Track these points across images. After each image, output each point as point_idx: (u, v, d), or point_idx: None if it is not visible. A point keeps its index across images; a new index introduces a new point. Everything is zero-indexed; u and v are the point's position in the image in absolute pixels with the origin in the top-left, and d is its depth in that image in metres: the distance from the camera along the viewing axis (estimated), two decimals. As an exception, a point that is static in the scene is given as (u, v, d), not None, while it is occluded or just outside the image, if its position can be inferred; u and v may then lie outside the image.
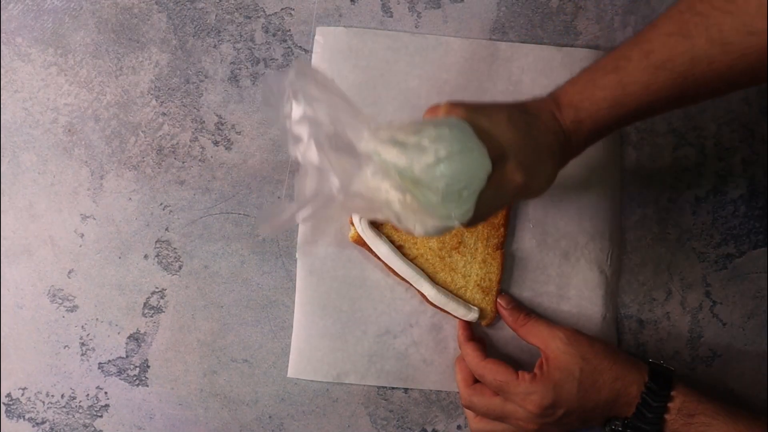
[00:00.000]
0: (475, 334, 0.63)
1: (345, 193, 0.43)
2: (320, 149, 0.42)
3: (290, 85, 0.43)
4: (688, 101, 0.50)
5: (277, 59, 0.64)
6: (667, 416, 0.56)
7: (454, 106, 0.47)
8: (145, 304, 0.63)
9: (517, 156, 0.47)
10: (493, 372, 0.57)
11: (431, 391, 0.64)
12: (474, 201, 0.44)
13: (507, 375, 0.57)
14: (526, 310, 0.61)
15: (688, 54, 0.47)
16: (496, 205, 0.47)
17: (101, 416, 0.63)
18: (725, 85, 0.48)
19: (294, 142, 0.43)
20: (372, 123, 0.44)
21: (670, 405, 0.56)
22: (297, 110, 0.43)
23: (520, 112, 0.49)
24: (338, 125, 0.43)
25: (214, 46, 0.63)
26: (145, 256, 0.63)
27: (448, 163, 0.42)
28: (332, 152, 0.42)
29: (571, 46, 0.64)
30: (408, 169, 0.42)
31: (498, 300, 0.62)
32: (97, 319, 0.63)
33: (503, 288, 0.63)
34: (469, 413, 0.60)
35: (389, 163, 0.43)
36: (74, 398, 0.63)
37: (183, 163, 0.63)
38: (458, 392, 0.64)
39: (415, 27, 0.64)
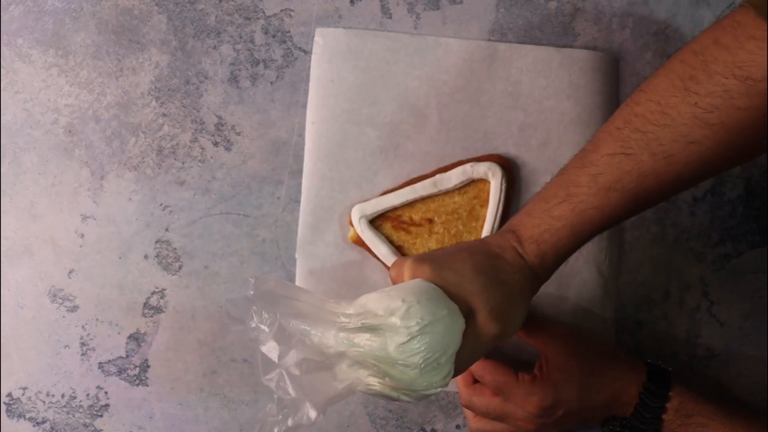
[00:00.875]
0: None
1: (323, 414, 0.45)
2: (293, 380, 0.44)
3: (252, 309, 0.45)
4: (640, 210, 0.51)
5: (276, 60, 0.64)
6: (664, 416, 0.56)
7: (418, 265, 0.48)
8: (145, 304, 0.63)
9: (487, 305, 0.47)
10: (492, 372, 0.57)
11: (430, 390, 0.64)
12: (452, 363, 0.45)
13: (507, 376, 0.57)
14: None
15: (635, 171, 0.47)
16: (473, 358, 0.48)
17: (101, 416, 0.63)
18: (673, 191, 0.49)
19: (265, 371, 0.46)
20: (341, 312, 0.46)
21: (667, 405, 0.56)
22: (264, 335, 0.45)
23: (485, 255, 0.49)
24: (305, 336, 0.45)
25: (214, 48, 0.64)
26: (145, 257, 0.63)
27: (421, 338, 0.43)
28: (305, 377, 0.44)
29: (570, 47, 0.65)
30: (383, 352, 0.44)
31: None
32: (97, 319, 0.63)
33: (502, 288, 0.64)
34: (468, 413, 0.61)
35: (364, 352, 0.44)
36: (74, 398, 0.63)
37: (183, 163, 0.64)
38: (457, 392, 0.64)
39: (414, 28, 0.64)
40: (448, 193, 0.62)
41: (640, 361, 0.59)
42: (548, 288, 0.63)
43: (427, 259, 0.49)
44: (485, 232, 0.62)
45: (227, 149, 0.64)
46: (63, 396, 0.63)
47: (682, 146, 0.45)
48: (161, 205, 0.63)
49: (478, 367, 0.58)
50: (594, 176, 0.48)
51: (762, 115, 0.43)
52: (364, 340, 0.44)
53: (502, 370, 0.57)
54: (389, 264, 0.61)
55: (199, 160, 0.64)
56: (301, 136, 0.64)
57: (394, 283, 0.51)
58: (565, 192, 0.50)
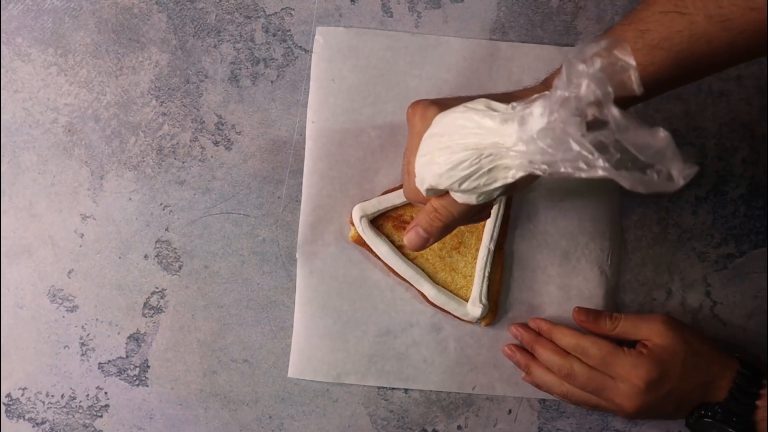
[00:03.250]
0: (477, 330, 0.63)
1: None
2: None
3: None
4: (686, 80, 0.49)
5: (277, 59, 0.64)
6: (758, 402, 0.57)
7: (431, 104, 0.47)
8: (145, 304, 0.63)
9: None
10: (597, 343, 0.59)
11: (431, 391, 0.64)
12: None
13: (612, 346, 0.59)
14: (608, 313, 0.62)
15: (686, 32, 0.45)
16: None
17: (101, 416, 0.63)
18: (724, 61, 0.47)
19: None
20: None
21: (761, 392, 0.57)
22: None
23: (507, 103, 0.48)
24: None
25: (214, 46, 0.63)
26: (145, 256, 0.63)
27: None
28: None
29: (572, 45, 0.64)
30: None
31: (575, 317, 0.62)
32: (97, 319, 0.63)
33: (503, 288, 0.63)
34: (550, 379, 0.61)
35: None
36: (74, 398, 0.63)
37: (183, 163, 0.63)
38: (458, 392, 0.64)
39: (416, 27, 0.64)
40: None
41: (731, 353, 0.60)
42: (549, 287, 0.64)
43: (443, 101, 0.48)
44: (487, 231, 0.62)
45: (227, 148, 0.63)
46: (63, 396, 0.63)
47: (741, 11, 0.43)
48: (161, 204, 0.63)
49: (582, 339, 0.59)
50: (642, 32, 0.46)
51: None
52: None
53: (605, 342, 0.59)
54: (390, 263, 0.61)
55: (199, 160, 0.63)
56: (302, 135, 0.63)
57: (409, 119, 0.49)
58: None
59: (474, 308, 0.61)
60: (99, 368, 0.63)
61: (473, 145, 0.42)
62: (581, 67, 0.37)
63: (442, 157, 0.44)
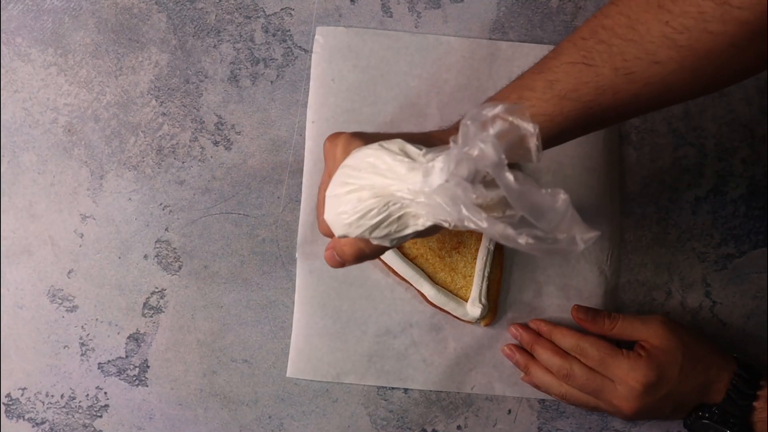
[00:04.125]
0: (476, 330, 0.63)
1: None
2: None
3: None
4: (593, 128, 0.49)
5: (277, 59, 0.63)
6: (755, 404, 0.58)
7: (352, 138, 0.47)
8: (144, 304, 0.63)
9: None
10: (596, 344, 0.59)
11: (431, 391, 0.64)
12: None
13: (611, 348, 0.59)
14: (606, 313, 0.62)
15: (593, 83, 0.45)
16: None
17: (101, 416, 0.63)
18: (630, 112, 0.48)
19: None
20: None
21: (759, 393, 0.58)
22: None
23: (425, 144, 0.47)
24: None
25: (214, 46, 0.63)
26: (145, 256, 0.63)
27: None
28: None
29: (571, 46, 0.64)
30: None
31: (574, 315, 0.62)
32: (97, 319, 0.63)
33: (503, 288, 0.63)
34: (548, 380, 0.61)
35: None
36: (74, 398, 0.63)
37: (183, 163, 0.63)
38: (458, 392, 0.64)
39: (415, 27, 0.64)
40: None
41: (729, 354, 0.61)
42: (549, 287, 0.64)
43: (363, 135, 0.48)
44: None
45: (227, 148, 0.63)
46: (62, 396, 0.63)
47: (645, 65, 0.44)
48: (161, 204, 0.63)
49: (581, 340, 0.60)
50: (550, 82, 0.47)
51: (732, 43, 0.41)
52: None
53: (604, 343, 0.59)
54: (390, 263, 0.61)
55: (199, 160, 0.63)
56: (302, 135, 0.63)
57: (325, 154, 0.49)
58: (517, 95, 0.48)
59: (474, 308, 0.61)
60: (99, 368, 0.63)
61: (380, 191, 0.42)
62: (474, 130, 0.38)
63: (350, 205, 0.44)
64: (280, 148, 0.64)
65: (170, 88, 0.63)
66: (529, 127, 0.38)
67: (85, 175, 0.63)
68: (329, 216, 0.45)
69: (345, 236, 0.46)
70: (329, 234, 0.48)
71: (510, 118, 0.38)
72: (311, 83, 0.63)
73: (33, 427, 0.63)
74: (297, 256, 0.63)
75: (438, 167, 0.39)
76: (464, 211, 0.38)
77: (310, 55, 0.63)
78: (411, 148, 0.43)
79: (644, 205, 0.65)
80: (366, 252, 0.47)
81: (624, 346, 0.60)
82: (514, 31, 0.64)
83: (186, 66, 0.63)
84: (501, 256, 0.63)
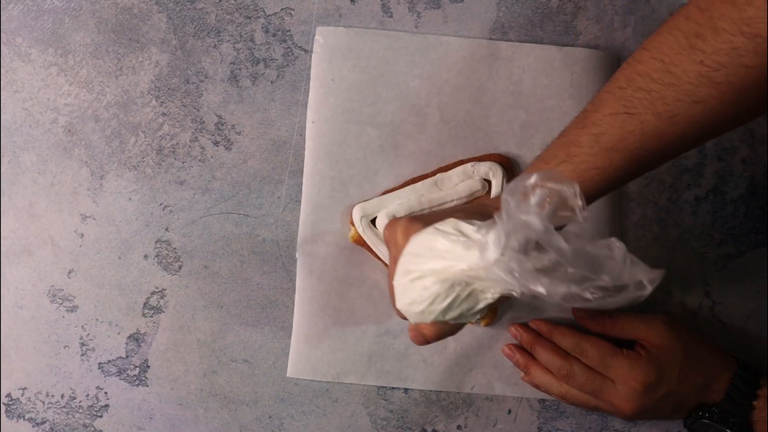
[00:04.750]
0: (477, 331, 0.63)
1: None
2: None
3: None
4: (643, 172, 0.50)
5: (277, 59, 0.64)
6: (755, 403, 0.58)
7: (412, 223, 0.48)
8: (145, 304, 0.63)
9: None
10: (596, 344, 0.59)
11: (431, 391, 0.64)
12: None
13: (611, 348, 0.59)
14: (605, 311, 0.62)
15: (638, 131, 0.46)
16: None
17: (101, 416, 0.63)
18: (677, 151, 0.48)
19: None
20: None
21: (758, 392, 0.58)
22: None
23: (481, 216, 0.48)
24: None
25: (214, 47, 0.63)
26: (145, 256, 0.63)
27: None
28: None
29: (572, 45, 0.64)
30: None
31: (575, 312, 0.62)
32: (97, 319, 0.63)
33: (503, 288, 0.63)
34: (548, 380, 0.61)
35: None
36: (74, 398, 0.63)
37: (183, 163, 0.63)
38: (458, 392, 0.64)
39: (415, 27, 0.64)
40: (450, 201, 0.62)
41: (729, 353, 0.61)
42: (550, 288, 0.64)
43: (420, 218, 0.48)
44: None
45: (227, 149, 0.63)
46: (63, 396, 0.63)
47: (686, 105, 0.44)
48: (161, 204, 0.63)
49: (581, 340, 0.60)
50: (596, 136, 0.47)
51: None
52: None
53: (604, 343, 0.59)
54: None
55: (199, 160, 0.63)
56: (302, 135, 0.64)
57: (386, 241, 0.50)
58: (565, 152, 0.49)
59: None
60: (99, 368, 0.63)
61: (442, 274, 0.43)
62: (515, 204, 0.38)
63: (416, 294, 0.44)
64: (280, 148, 0.64)
65: (170, 88, 0.63)
66: (569, 189, 0.39)
67: (85, 175, 0.63)
68: (401, 305, 0.46)
69: (421, 322, 0.47)
70: (405, 318, 0.49)
71: (549, 185, 0.38)
72: (311, 83, 0.63)
73: (33, 427, 0.63)
74: (297, 256, 0.63)
75: (491, 242, 0.40)
76: (523, 281, 0.39)
77: (310, 55, 0.63)
78: (465, 226, 0.43)
79: (644, 205, 0.65)
80: (446, 330, 0.49)
81: (624, 345, 0.60)
82: (514, 31, 0.64)
83: (186, 66, 0.63)
84: (501, 256, 0.63)
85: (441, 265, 0.43)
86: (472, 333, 0.63)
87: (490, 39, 0.64)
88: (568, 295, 0.38)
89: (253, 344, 0.63)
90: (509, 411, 0.64)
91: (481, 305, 0.44)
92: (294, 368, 0.63)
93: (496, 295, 0.43)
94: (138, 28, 0.63)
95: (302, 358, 0.63)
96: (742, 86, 0.43)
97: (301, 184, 0.63)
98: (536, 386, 0.62)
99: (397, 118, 0.63)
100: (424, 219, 0.48)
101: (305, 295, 0.63)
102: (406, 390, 0.64)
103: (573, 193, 0.39)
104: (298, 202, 0.63)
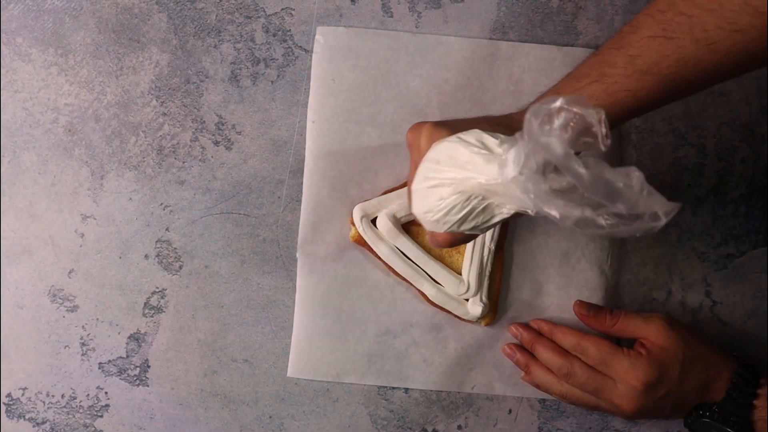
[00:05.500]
0: (476, 330, 0.63)
1: None
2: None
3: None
4: (674, 99, 0.50)
5: (277, 59, 0.64)
6: (756, 402, 0.58)
7: (437, 129, 0.47)
8: (145, 304, 0.63)
9: None
10: (597, 343, 0.59)
11: (431, 391, 0.64)
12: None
13: (611, 347, 0.59)
14: (608, 309, 0.62)
15: (674, 56, 0.46)
16: None
17: (101, 416, 0.63)
18: (711, 81, 0.48)
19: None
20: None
21: (759, 391, 0.58)
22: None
23: (506, 128, 0.48)
24: None
25: (215, 46, 0.63)
26: (146, 256, 0.63)
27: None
28: None
29: (572, 45, 0.64)
30: None
31: (576, 310, 0.62)
32: (97, 319, 0.63)
33: (503, 288, 0.63)
34: (549, 379, 0.61)
35: None
36: (74, 398, 0.63)
37: (183, 163, 0.63)
38: (458, 392, 0.64)
39: (416, 27, 0.64)
40: None
41: (729, 353, 0.60)
42: (549, 287, 0.64)
43: (446, 124, 0.48)
44: (488, 233, 0.62)
45: (228, 148, 0.63)
46: (63, 396, 0.63)
47: (726, 34, 0.44)
48: (161, 204, 0.63)
49: (581, 339, 0.60)
50: (631, 57, 0.47)
51: None
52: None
53: (605, 342, 0.59)
54: (390, 263, 0.61)
55: (200, 160, 0.63)
56: (302, 135, 0.64)
57: (410, 145, 0.50)
58: (598, 71, 0.48)
59: (474, 307, 0.61)
60: (99, 368, 0.63)
61: (460, 185, 0.43)
62: (538, 125, 0.38)
63: (433, 203, 0.44)
64: (280, 148, 0.64)
65: (171, 88, 0.63)
66: (594, 115, 0.38)
67: (85, 175, 0.63)
68: (417, 211, 0.46)
69: (434, 230, 0.46)
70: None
71: (574, 109, 0.38)
72: (311, 83, 0.63)
73: (33, 427, 0.63)
74: (297, 256, 0.63)
75: (511, 159, 0.40)
76: (538, 202, 0.39)
77: (311, 55, 0.64)
78: (488, 139, 0.43)
79: (644, 205, 0.65)
80: (459, 238, 0.48)
81: (625, 344, 0.60)
82: (514, 31, 0.64)
83: (186, 66, 0.63)
84: (501, 256, 0.63)
85: (460, 175, 0.43)
86: (472, 333, 0.63)
87: (491, 39, 0.64)
88: (581, 219, 0.38)
89: (253, 344, 0.63)
90: (510, 411, 0.64)
91: (497, 219, 0.44)
92: (294, 368, 0.63)
93: (512, 211, 0.43)
94: (138, 28, 0.63)
95: (302, 358, 0.63)
96: None
97: (302, 184, 0.63)
98: (536, 386, 0.62)
99: (397, 118, 0.63)
100: (449, 126, 0.48)
101: (305, 295, 0.63)
102: (406, 390, 0.64)
103: (598, 120, 0.38)
104: (298, 202, 0.63)
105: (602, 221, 0.38)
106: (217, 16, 0.63)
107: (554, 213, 0.38)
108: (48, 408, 0.63)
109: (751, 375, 0.58)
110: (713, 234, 0.65)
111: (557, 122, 0.38)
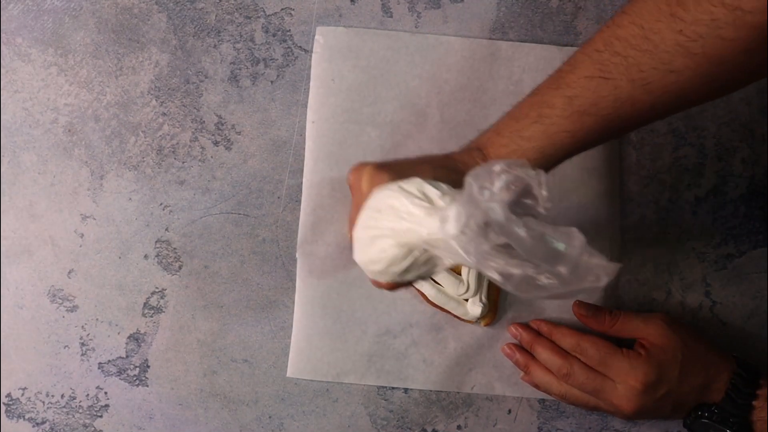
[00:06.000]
0: (476, 330, 0.63)
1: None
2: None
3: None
4: (611, 138, 0.50)
5: (277, 59, 0.64)
6: (755, 403, 0.58)
7: (378, 172, 0.47)
8: (145, 304, 0.63)
9: None
10: (595, 344, 0.59)
11: (431, 391, 0.64)
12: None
13: (610, 348, 0.59)
14: (607, 310, 0.62)
15: (612, 97, 0.46)
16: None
17: (101, 416, 0.63)
18: (648, 119, 0.48)
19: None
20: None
21: (758, 392, 0.58)
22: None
23: (447, 170, 0.48)
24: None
25: (214, 46, 0.63)
26: (145, 256, 0.63)
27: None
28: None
29: (572, 45, 0.64)
30: None
31: (575, 310, 0.62)
32: (97, 319, 0.63)
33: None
34: (548, 379, 0.61)
35: None
36: (74, 398, 0.63)
37: (183, 163, 0.63)
38: (458, 392, 0.64)
39: (415, 27, 0.64)
40: None
41: (729, 353, 0.60)
42: (550, 288, 0.64)
43: (387, 166, 0.48)
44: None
45: (227, 149, 0.63)
46: (63, 396, 0.63)
47: (661, 74, 0.44)
48: (161, 204, 0.63)
49: (581, 339, 0.60)
50: (569, 98, 0.47)
51: (746, 49, 0.41)
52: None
53: (604, 342, 0.59)
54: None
55: (199, 160, 0.63)
56: (302, 135, 0.64)
57: (351, 186, 0.49)
58: (537, 113, 0.48)
59: (474, 308, 0.61)
60: (99, 368, 0.63)
61: (401, 238, 0.43)
62: (478, 189, 0.38)
63: (375, 254, 0.44)
64: (280, 148, 0.64)
65: (170, 88, 0.63)
66: (534, 178, 0.38)
67: (85, 175, 0.63)
68: (359, 259, 0.46)
69: (378, 280, 0.47)
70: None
71: (514, 171, 0.38)
72: (311, 83, 0.63)
73: (33, 427, 0.63)
74: (297, 256, 0.63)
75: (452, 217, 0.40)
76: (479, 262, 0.39)
77: (310, 55, 0.63)
78: (429, 189, 0.43)
79: (644, 205, 0.65)
80: (402, 284, 0.48)
81: (624, 344, 0.60)
82: (514, 31, 0.64)
83: (186, 66, 0.63)
84: (501, 256, 0.63)
85: (401, 227, 0.43)
86: (472, 333, 0.63)
87: (490, 39, 0.64)
88: (523, 279, 0.38)
89: (253, 344, 0.63)
90: (509, 411, 0.64)
91: (439, 269, 0.44)
92: (294, 368, 0.63)
93: (452, 263, 0.43)
94: (138, 28, 0.63)
95: (302, 358, 0.63)
96: (718, 59, 0.42)
97: (301, 184, 0.63)
98: (536, 386, 0.62)
99: (397, 118, 0.63)
100: (391, 169, 0.47)
101: (305, 295, 0.63)
102: (406, 390, 0.64)
103: (538, 183, 0.39)
104: (298, 202, 0.63)
105: (544, 280, 0.38)
106: (216, 16, 0.63)
107: (495, 275, 0.38)
108: (48, 408, 0.63)
109: (750, 375, 0.58)
110: (713, 234, 0.65)
111: (497, 184, 0.38)
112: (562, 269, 0.38)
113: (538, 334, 0.62)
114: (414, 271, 0.44)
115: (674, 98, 0.45)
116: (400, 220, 0.43)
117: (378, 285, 0.49)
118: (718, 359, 0.59)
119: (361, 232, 0.45)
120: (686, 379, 0.58)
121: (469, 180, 0.39)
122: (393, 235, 0.43)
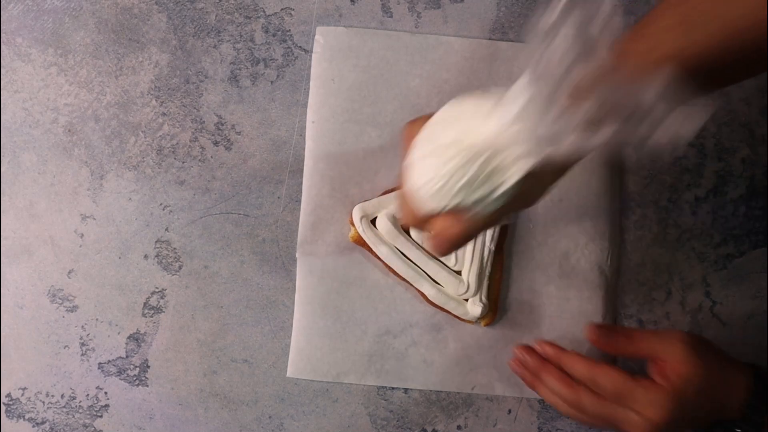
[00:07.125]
0: (475, 329, 0.63)
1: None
2: None
3: None
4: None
5: (277, 59, 0.64)
6: None
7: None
8: (145, 304, 0.63)
9: None
10: (609, 374, 0.54)
11: (431, 391, 0.64)
12: None
13: (626, 379, 0.53)
14: (621, 330, 0.57)
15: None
16: None
17: (101, 416, 0.63)
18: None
19: None
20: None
21: None
22: None
23: None
24: None
25: (214, 47, 0.63)
26: (145, 256, 0.63)
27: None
28: None
29: (571, 46, 0.64)
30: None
31: (589, 337, 0.57)
32: (97, 319, 0.63)
33: (503, 288, 0.63)
34: (556, 401, 0.57)
35: None
36: (74, 398, 0.63)
37: (183, 163, 0.63)
38: (458, 392, 0.64)
39: (415, 27, 0.64)
40: None
41: (743, 363, 0.56)
42: (549, 287, 0.64)
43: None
44: (488, 233, 0.62)
45: (227, 149, 0.63)
46: (63, 396, 0.63)
47: None
48: (161, 204, 0.63)
49: (591, 371, 0.55)
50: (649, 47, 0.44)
51: None
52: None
53: (619, 375, 0.54)
54: (390, 263, 0.61)
55: (199, 160, 0.63)
56: (302, 135, 0.64)
57: (407, 141, 0.47)
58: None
59: (474, 308, 0.61)
60: (99, 368, 0.63)
61: (461, 144, 0.40)
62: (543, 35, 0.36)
63: (432, 170, 0.41)
64: (280, 148, 0.64)
65: (170, 88, 0.63)
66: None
67: (85, 175, 0.63)
68: (415, 185, 0.42)
69: (433, 212, 0.42)
70: (416, 223, 0.45)
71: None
72: (311, 83, 0.63)
73: (33, 427, 0.63)
74: (297, 256, 0.63)
75: (512, 94, 0.37)
76: (555, 131, 0.36)
77: (310, 55, 0.64)
78: (493, 89, 0.40)
79: (644, 205, 0.65)
80: (472, 228, 0.44)
81: (638, 363, 0.57)
82: (514, 31, 0.64)
83: (186, 66, 0.63)
84: (501, 256, 0.63)
85: (463, 128, 0.39)
86: (472, 333, 0.63)
87: (490, 39, 0.64)
88: (605, 137, 0.35)
89: (253, 344, 0.63)
90: (509, 411, 0.64)
91: (502, 189, 0.40)
92: (294, 368, 0.63)
93: (521, 172, 0.39)
94: (138, 28, 0.63)
95: (302, 358, 0.63)
96: None
97: (301, 184, 0.63)
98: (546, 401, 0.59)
99: (397, 118, 0.63)
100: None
101: (305, 295, 0.63)
102: (406, 390, 0.64)
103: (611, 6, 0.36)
104: (298, 202, 0.63)
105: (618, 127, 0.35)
106: (216, 16, 0.63)
107: (568, 143, 0.35)
108: (48, 408, 0.63)
109: (766, 389, 0.54)
110: (713, 234, 0.65)
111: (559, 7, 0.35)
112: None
113: (544, 359, 0.58)
114: (477, 189, 0.40)
115: None
116: (463, 121, 0.39)
117: (444, 241, 0.45)
118: (734, 376, 0.55)
119: (418, 152, 0.42)
120: (704, 403, 0.54)
121: (530, 37, 0.35)
122: (453, 144, 0.40)
